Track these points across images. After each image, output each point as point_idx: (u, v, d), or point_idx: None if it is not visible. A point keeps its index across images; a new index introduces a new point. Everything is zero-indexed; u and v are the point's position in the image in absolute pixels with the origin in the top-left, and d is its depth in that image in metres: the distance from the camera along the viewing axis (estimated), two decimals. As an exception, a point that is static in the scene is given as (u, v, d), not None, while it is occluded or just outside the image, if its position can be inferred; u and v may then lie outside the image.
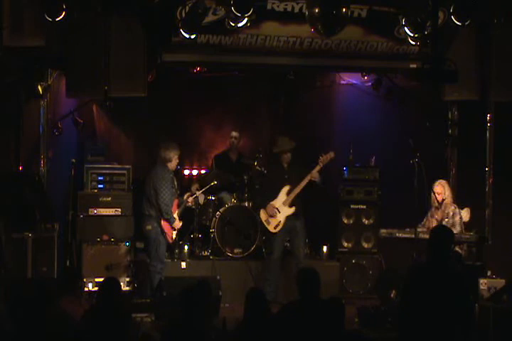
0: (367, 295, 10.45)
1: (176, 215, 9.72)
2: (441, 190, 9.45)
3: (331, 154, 9.80)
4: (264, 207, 10.02)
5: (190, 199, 10.34)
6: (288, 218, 9.95)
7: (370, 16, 9.29)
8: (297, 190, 9.87)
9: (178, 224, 9.70)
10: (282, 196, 9.98)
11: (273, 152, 10.21)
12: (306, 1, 8.72)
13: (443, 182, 9.61)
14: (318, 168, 9.78)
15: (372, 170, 10.96)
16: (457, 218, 9.38)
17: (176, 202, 9.80)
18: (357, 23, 9.29)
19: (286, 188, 9.97)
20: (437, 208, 9.47)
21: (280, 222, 9.95)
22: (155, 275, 9.47)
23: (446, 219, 9.38)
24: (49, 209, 9.37)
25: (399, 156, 10.31)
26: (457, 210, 9.42)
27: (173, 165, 9.67)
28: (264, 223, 10.05)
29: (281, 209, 9.96)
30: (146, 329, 7.92)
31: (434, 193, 9.46)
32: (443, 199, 9.43)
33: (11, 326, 6.16)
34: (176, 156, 9.67)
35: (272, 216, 9.95)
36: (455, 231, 9.13)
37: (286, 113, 11.90)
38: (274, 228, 9.99)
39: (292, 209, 9.92)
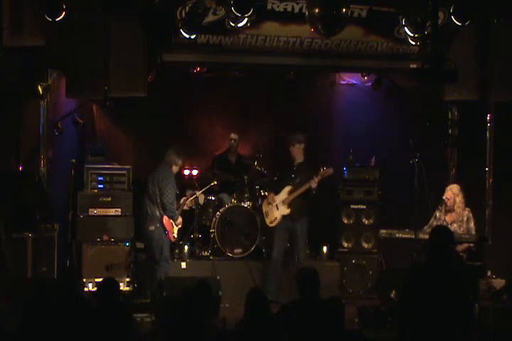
0: (367, 295, 10.44)
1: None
2: (450, 195, 9.41)
3: (330, 170, 9.78)
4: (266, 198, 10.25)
5: (189, 200, 10.37)
6: (284, 218, 9.98)
7: (370, 16, 9.29)
8: (296, 193, 9.90)
9: (179, 221, 9.75)
10: (283, 194, 10.02)
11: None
12: (306, 1, 8.72)
13: (454, 188, 9.52)
14: (317, 179, 9.74)
15: (372, 170, 10.95)
16: (471, 224, 9.35)
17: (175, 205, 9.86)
18: (357, 23, 9.30)
19: (288, 188, 10.00)
20: (448, 211, 9.42)
21: (276, 218, 10.04)
22: (161, 275, 9.49)
23: (460, 223, 9.35)
24: (49, 209, 9.38)
25: (399, 156, 10.31)
26: (471, 215, 9.39)
27: (176, 169, 9.81)
28: (264, 215, 10.18)
29: (279, 207, 10.01)
30: (146, 329, 7.93)
31: (445, 198, 9.42)
32: (448, 199, 9.40)
33: (11, 326, 6.17)
34: (181, 164, 9.87)
35: (269, 203, 10.07)
36: (468, 232, 9.18)
37: (287, 113, 11.89)
38: (271, 223, 10.10)
39: (288, 211, 9.95)
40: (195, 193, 10.57)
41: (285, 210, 9.98)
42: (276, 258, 10.02)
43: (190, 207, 10.56)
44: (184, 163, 10.01)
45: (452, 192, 9.42)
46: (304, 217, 10.01)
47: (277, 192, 10.11)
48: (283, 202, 9.99)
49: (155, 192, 9.61)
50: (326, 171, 9.78)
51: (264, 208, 10.22)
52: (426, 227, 9.33)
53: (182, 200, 10.15)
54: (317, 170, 9.80)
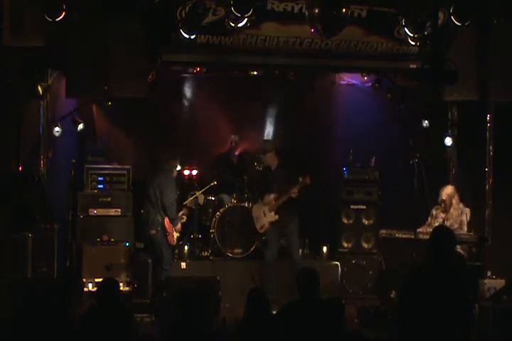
0: (367, 295, 10.45)
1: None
2: (446, 198, 9.46)
3: (307, 180, 9.76)
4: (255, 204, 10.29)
5: (189, 200, 10.39)
6: (273, 224, 9.99)
7: (370, 16, 9.28)
8: (279, 201, 9.93)
9: (178, 227, 9.78)
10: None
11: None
12: (306, 1, 8.71)
13: (449, 190, 9.55)
14: (296, 189, 9.76)
15: (372, 171, 10.95)
16: (464, 217, 9.41)
17: None
18: (357, 23, 9.29)
19: (273, 195, 10.01)
20: (444, 211, 9.48)
21: (265, 225, 10.10)
22: (163, 276, 9.51)
23: (455, 218, 9.39)
24: (49, 209, 9.38)
25: (399, 156, 10.31)
26: (465, 209, 9.44)
27: (176, 173, 9.95)
28: (254, 220, 10.22)
29: (266, 213, 10.06)
30: (146, 330, 7.93)
31: (440, 200, 9.47)
32: (444, 203, 9.45)
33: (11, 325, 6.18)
34: (178, 164, 10.04)
35: (259, 210, 10.11)
36: (463, 230, 9.23)
37: (287, 113, 11.89)
38: (260, 228, 10.16)
39: (276, 217, 9.99)
40: (194, 193, 10.58)
41: (273, 217, 10.01)
42: (268, 259, 10.06)
43: (190, 207, 10.57)
44: (179, 162, 10.09)
45: (447, 194, 9.48)
46: (293, 217, 10.01)
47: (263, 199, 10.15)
48: (269, 209, 10.00)
49: (156, 195, 9.66)
50: (303, 181, 9.75)
51: (255, 213, 10.23)
52: (424, 226, 9.38)
53: (180, 214, 10.14)
54: (296, 180, 9.75)
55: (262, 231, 10.15)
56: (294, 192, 9.74)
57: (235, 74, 11.39)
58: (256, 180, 10.63)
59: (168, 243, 9.70)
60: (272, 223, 10.02)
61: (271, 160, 10.08)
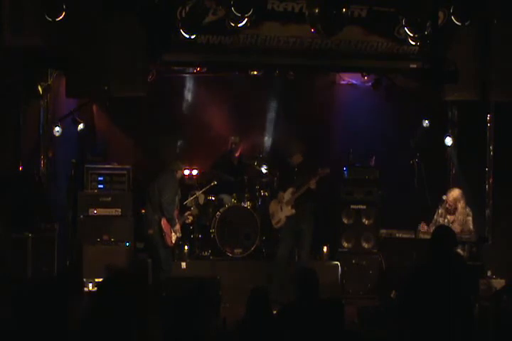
0: (367, 295, 10.43)
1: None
2: (452, 201, 9.48)
3: (327, 170, 9.85)
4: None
5: (189, 200, 10.41)
6: (289, 218, 10.01)
7: (370, 16, 9.28)
8: (297, 194, 9.94)
9: (177, 228, 9.77)
10: (287, 195, 10.06)
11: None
12: (306, 1, 8.72)
13: (455, 193, 9.57)
14: (314, 180, 9.82)
15: (372, 170, 10.93)
16: (470, 226, 9.44)
17: (176, 212, 9.87)
18: (357, 23, 9.29)
19: (291, 189, 10.02)
20: (450, 213, 9.51)
21: (281, 219, 10.10)
22: (163, 276, 9.52)
23: (460, 222, 9.42)
24: (49, 209, 9.38)
25: (399, 156, 10.31)
26: (470, 218, 9.47)
27: (180, 174, 9.97)
28: (270, 216, 10.23)
29: (283, 208, 10.05)
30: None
31: (447, 201, 9.50)
32: (450, 205, 9.48)
33: (12, 326, 6.16)
34: (183, 166, 10.09)
35: (277, 204, 10.14)
36: (467, 229, 9.26)
37: (287, 113, 11.89)
38: (276, 223, 10.17)
39: (292, 211, 9.98)
40: (194, 193, 10.58)
41: (289, 211, 10.02)
42: (281, 258, 10.06)
43: (191, 207, 10.58)
44: (184, 166, 10.19)
45: (453, 198, 9.51)
46: (310, 216, 10.05)
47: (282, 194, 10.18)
48: (286, 203, 10.03)
49: (155, 194, 9.67)
50: (322, 171, 9.82)
51: (271, 209, 10.26)
52: (430, 224, 9.41)
53: (186, 213, 10.16)
54: (315, 170, 9.83)
55: (277, 226, 10.16)
56: (313, 183, 9.77)
57: (235, 74, 11.39)
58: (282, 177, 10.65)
59: (165, 243, 9.69)
60: (288, 217, 10.02)
61: (297, 160, 10.11)
